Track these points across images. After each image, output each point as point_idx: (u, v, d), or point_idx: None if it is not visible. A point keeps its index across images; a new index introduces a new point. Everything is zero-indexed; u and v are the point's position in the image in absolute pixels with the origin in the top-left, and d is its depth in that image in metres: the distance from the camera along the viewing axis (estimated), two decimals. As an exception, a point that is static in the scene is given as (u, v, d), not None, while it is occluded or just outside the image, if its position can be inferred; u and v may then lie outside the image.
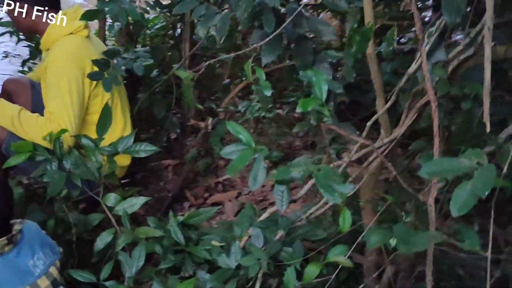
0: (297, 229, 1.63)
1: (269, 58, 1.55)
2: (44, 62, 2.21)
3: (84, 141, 2.00)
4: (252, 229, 1.59)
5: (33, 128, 2.07)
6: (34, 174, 1.94)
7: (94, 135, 2.06)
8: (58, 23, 2.19)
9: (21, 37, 3.10)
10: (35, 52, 3.05)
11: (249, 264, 1.53)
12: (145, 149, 1.96)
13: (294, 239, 1.60)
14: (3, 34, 3.17)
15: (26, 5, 2.18)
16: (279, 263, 1.53)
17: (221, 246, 1.67)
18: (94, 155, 1.97)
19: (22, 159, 1.93)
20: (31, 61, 3.15)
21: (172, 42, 2.96)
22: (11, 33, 3.12)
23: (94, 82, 2.17)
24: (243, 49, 1.81)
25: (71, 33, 2.19)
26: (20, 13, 2.20)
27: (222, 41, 2.23)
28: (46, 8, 2.20)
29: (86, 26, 2.22)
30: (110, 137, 2.10)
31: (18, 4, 2.18)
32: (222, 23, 1.65)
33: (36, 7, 2.19)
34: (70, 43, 2.17)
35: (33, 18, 2.20)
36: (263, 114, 2.42)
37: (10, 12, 2.24)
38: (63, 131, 1.98)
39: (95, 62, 2.10)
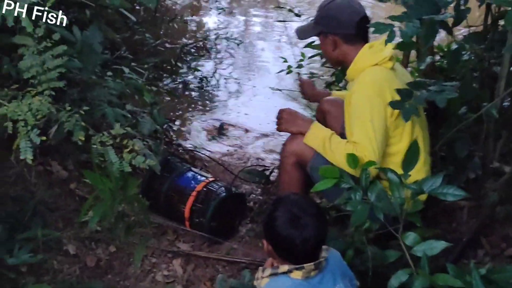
0: None
1: None
2: (349, 92, 2.34)
3: (389, 175, 2.02)
4: None
5: (340, 153, 2.17)
6: (338, 201, 2.03)
7: (392, 167, 2.08)
8: (365, 54, 2.28)
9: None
10: (340, 76, 3.20)
11: None
12: (454, 193, 1.91)
13: None
14: (313, 56, 3.40)
15: (336, 38, 2.33)
16: None
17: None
18: (398, 190, 1.99)
19: (328, 184, 2.04)
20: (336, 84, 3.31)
21: (482, 76, 2.82)
22: (322, 56, 3.32)
23: (396, 113, 2.19)
24: None
25: (376, 64, 2.26)
26: (330, 45, 2.36)
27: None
28: (354, 40, 2.33)
29: (392, 58, 2.27)
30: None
31: (330, 36, 2.34)
32: None
33: (345, 40, 2.33)
34: (375, 74, 2.26)
35: (343, 50, 2.34)
36: None
37: (322, 43, 2.43)
38: (371, 163, 2.03)
39: (398, 91, 2.11)
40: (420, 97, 2.10)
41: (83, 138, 1.80)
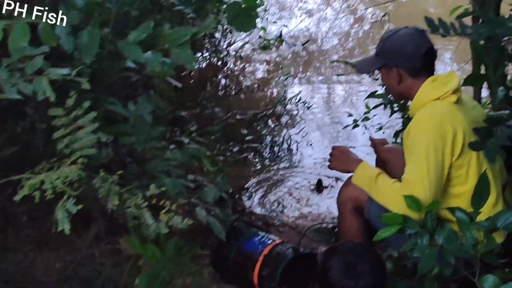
0: None
1: None
2: (407, 128, 2.21)
3: (458, 214, 1.86)
4: None
5: (387, 192, 2.10)
6: (404, 248, 1.89)
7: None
8: (426, 88, 2.17)
9: (395, 108, 3.17)
10: (408, 123, 3.07)
11: None
12: (530, 227, 1.72)
13: None
14: (377, 106, 3.31)
15: (401, 71, 2.23)
16: None
17: None
18: (469, 230, 1.82)
19: (392, 231, 1.90)
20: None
21: None
22: (385, 105, 3.22)
23: (457, 151, 2.09)
24: None
25: (438, 98, 2.14)
26: (395, 79, 2.25)
27: None
28: (420, 73, 2.22)
29: (456, 91, 2.13)
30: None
31: (394, 69, 2.24)
32: None
33: (411, 73, 2.22)
34: (435, 109, 2.15)
35: (407, 83, 2.23)
36: None
37: (385, 77, 2.32)
38: (436, 203, 1.89)
39: (476, 130, 2.00)
40: (502, 135, 1.97)
41: (117, 203, 1.79)
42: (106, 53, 2.21)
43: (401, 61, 2.23)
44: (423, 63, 2.21)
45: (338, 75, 5.49)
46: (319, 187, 3.79)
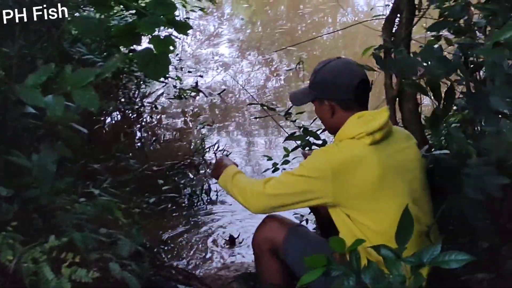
0: None
1: None
2: None
3: (383, 252, 1.80)
4: None
5: (239, 186, 2.26)
6: (331, 290, 1.80)
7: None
8: (349, 124, 2.14)
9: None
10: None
11: None
12: (456, 259, 1.67)
13: None
14: (295, 148, 3.26)
15: (333, 104, 2.18)
16: None
17: None
18: (395, 267, 1.75)
19: (316, 275, 1.81)
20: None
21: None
22: (303, 147, 3.18)
23: (367, 192, 2.09)
24: None
25: (354, 138, 2.10)
26: (327, 111, 2.21)
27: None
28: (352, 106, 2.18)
29: (375, 132, 2.09)
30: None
31: (326, 102, 2.20)
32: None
33: (342, 106, 2.18)
34: (343, 150, 2.13)
35: (339, 116, 2.18)
36: None
37: (317, 110, 2.28)
38: (360, 241, 1.82)
39: None
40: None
41: (11, 258, 1.60)
42: (3, 100, 2.05)
43: (333, 94, 2.17)
44: (355, 96, 2.15)
45: (256, 117, 5.46)
46: (232, 241, 3.65)
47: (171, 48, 3.46)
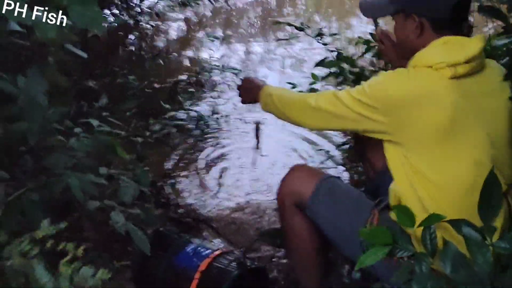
0: None
1: None
2: None
3: (465, 230, 1.45)
4: None
5: (289, 103, 1.99)
6: (395, 278, 1.47)
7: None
8: (431, 50, 1.73)
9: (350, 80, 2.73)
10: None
11: None
12: None
13: None
14: (327, 76, 2.86)
15: (424, 21, 1.76)
16: None
17: None
18: (481, 253, 1.41)
19: (378, 256, 1.48)
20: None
21: None
22: (337, 75, 2.79)
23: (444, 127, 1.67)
24: None
25: (431, 67, 1.69)
26: (413, 30, 1.79)
27: None
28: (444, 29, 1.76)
29: (454, 65, 1.68)
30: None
31: (415, 18, 1.77)
32: None
33: (434, 26, 1.76)
34: (414, 77, 1.72)
35: (427, 38, 1.76)
36: None
37: (399, 27, 1.85)
38: (438, 217, 1.47)
39: None
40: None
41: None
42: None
43: (427, 8, 1.75)
44: (452, 15, 1.74)
45: (279, 39, 4.98)
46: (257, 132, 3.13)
47: None
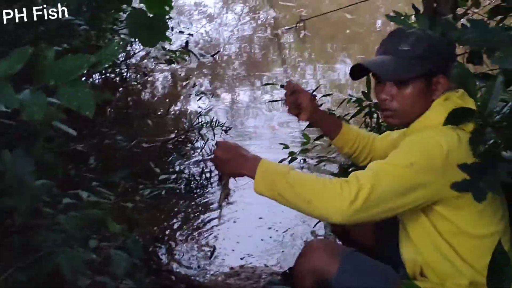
0: None
1: None
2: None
3: None
4: None
5: (311, 188, 1.54)
6: None
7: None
8: (440, 108, 1.67)
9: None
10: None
11: None
12: None
13: None
14: (319, 137, 2.81)
15: (445, 80, 1.69)
16: None
17: None
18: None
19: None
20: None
21: None
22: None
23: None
24: None
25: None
26: (436, 91, 1.70)
27: None
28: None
29: None
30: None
31: (441, 79, 1.69)
32: None
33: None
34: (444, 136, 1.61)
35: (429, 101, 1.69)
36: None
37: (417, 90, 1.69)
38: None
39: (462, 167, 1.50)
40: (500, 172, 1.50)
41: None
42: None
43: (446, 68, 1.68)
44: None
45: (270, 101, 4.96)
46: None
47: (167, 8, 3.00)
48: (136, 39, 4.00)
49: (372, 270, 1.85)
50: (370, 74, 1.82)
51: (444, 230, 1.66)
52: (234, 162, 1.67)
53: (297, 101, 2.03)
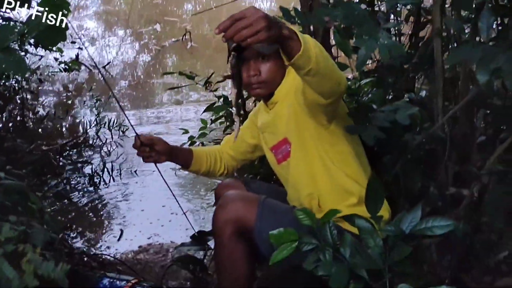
0: None
1: None
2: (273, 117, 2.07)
3: (358, 222, 1.70)
4: None
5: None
6: (306, 266, 1.67)
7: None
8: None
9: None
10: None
11: None
12: (440, 225, 1.62)
13: None
14: (216, 120, 3.08)
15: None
16: None
17: None
18: (373, 238, 1.67)
19: (287, 251, 1.68)
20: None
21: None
22: (226, 118, 3.02)
23: None
24: None
25: None
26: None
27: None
28: None
29: None
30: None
31: None
32: None
33: None
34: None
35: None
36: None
37: (275, 64, 2.03)
38: (335, 212, 1.72)
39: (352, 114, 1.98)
40: (378, 118, 1.94)
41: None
42: None
43: None
44: None
45: (170, 88, 5.20)
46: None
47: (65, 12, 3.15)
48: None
49: (285, 211, 2.02)
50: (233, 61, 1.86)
51: (331, 155, 1.99)
52: (276, 23, 1.45)
53: (153, 149, 2.18)
